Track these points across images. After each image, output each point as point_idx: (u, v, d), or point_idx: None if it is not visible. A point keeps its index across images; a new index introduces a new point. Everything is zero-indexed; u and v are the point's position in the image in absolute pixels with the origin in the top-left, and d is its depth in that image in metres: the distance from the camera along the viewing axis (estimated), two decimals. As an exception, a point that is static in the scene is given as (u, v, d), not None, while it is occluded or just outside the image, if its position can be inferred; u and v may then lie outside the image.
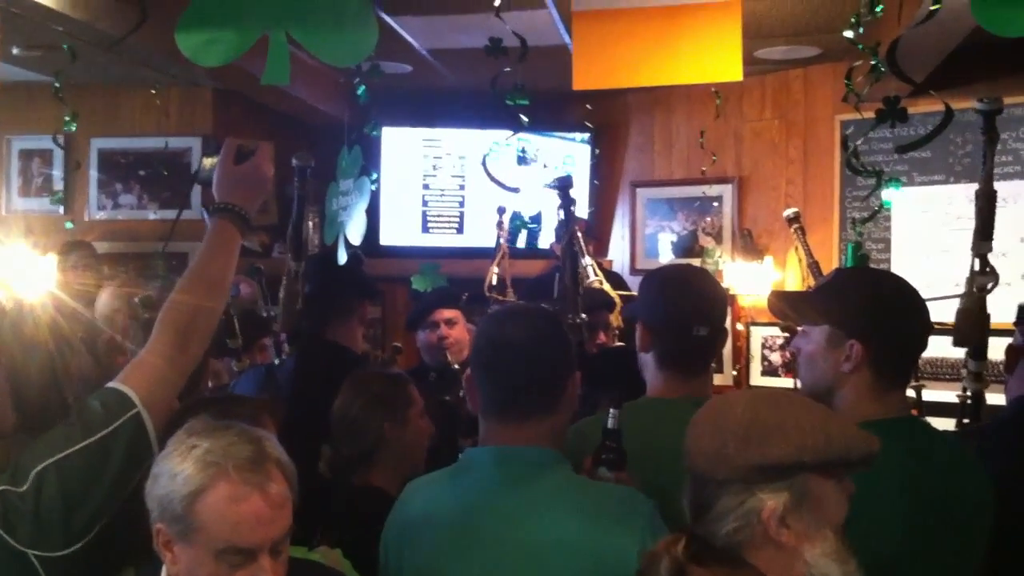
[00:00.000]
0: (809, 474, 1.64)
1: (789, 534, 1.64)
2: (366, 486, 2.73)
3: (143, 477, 1.82)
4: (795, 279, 5.61)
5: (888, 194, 3.25)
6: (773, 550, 1.65)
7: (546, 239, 5.45)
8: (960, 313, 2.93)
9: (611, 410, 2.15)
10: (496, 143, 5.21)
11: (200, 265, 2.28)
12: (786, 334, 4.56)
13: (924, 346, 2.23)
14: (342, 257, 2.96)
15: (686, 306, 2.41)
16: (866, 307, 2.15)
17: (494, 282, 4.49)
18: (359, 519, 2.33)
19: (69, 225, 5.31)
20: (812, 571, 1.66)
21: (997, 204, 2.98)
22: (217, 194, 2.38)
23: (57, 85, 3.59)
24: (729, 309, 5.70)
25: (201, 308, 2.22)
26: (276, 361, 3.78)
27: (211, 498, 1.69)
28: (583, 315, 3.34)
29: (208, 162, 2.46)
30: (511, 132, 3.26)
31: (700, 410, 1.78)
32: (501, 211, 4.88)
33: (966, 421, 3.13)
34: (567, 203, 3.41)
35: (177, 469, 1.72)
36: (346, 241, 3.06)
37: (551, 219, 5.34)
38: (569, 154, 6.34)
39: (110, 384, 2.10)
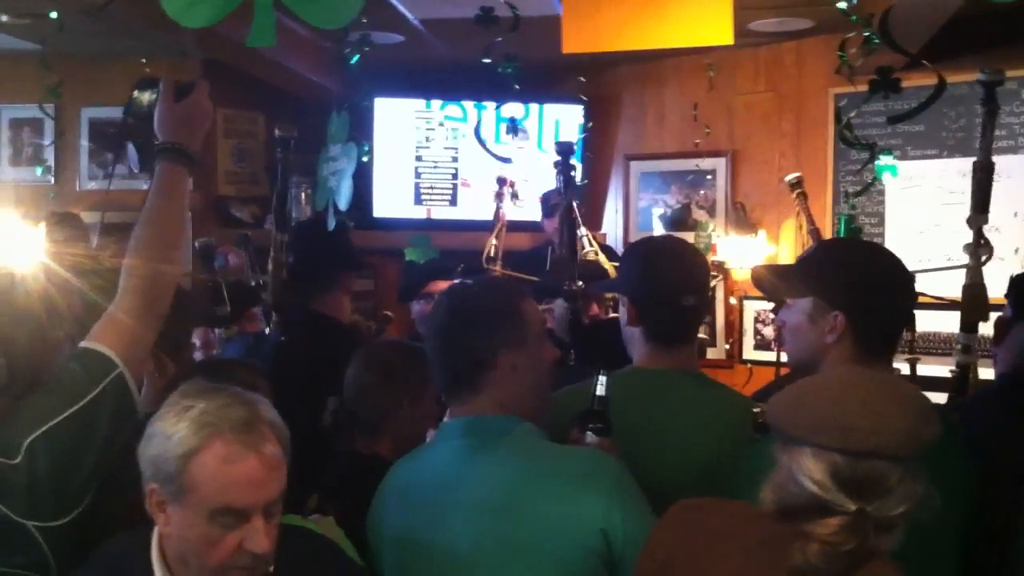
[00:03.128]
0: None
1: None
2: (372, 455, 2.73)
3: (135, 445, 1.82)
4: (788, 253, 5.61)
5: (882, 163, 3.23)
6: (904, 525, 1.66)
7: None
8: (966, 289, 2.93)
9: (601, 377, 2.17)
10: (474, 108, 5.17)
11: (154, 211, 2.26)
12: (773, 304, 4.57)
13: (909, 317, 2.24)
14: (331, 223, 2.95)
15: (672, 277, 2.42)
16: (849, 278, 2.16)
17: (492, 253, 4.48)
18: (362, 487, 2.33)
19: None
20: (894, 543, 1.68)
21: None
22: (161, 134, 2.35)
23: (44, 54, 3.56)
24: (722, 283, 5.71)
25: (162, 257, 2.20)
26: (266, 330, 3.77)
27: (205, 458, 1.70)
28: (580, 283, 3.34)
29: (144, 97, 2.44)
30: (500, 101, 3.23)
31: (859, 387, 1.69)
32: (501, 182, 4.86)
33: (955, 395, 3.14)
34: (567, 170, 3.39)
35: (171, 430, 1.73)
36: (335, 207, 3.05)
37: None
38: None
39: (85, 344, 2.09)
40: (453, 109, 6.23)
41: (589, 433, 2.15)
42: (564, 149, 3.41)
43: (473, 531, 2.01)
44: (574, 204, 3.84)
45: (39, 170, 5.72)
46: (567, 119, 6.26)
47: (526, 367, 2.13)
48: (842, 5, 2.76)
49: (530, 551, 1.96)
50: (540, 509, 1.97)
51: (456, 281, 4.33)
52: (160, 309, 2.19)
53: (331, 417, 2.82)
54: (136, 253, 2.20)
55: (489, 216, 4.79)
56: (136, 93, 2.47)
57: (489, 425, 2.10)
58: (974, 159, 3.03)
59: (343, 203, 2.95)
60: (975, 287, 2.90)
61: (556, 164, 3.45)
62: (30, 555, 1.94)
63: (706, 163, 5.94)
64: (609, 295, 3.98)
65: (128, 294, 2.15)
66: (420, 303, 4.37)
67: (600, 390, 2.16)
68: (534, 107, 6.20)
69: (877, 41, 2.70)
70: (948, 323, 3.01)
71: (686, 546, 1.80)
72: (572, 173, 3.46)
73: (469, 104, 6.17)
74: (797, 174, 4.33)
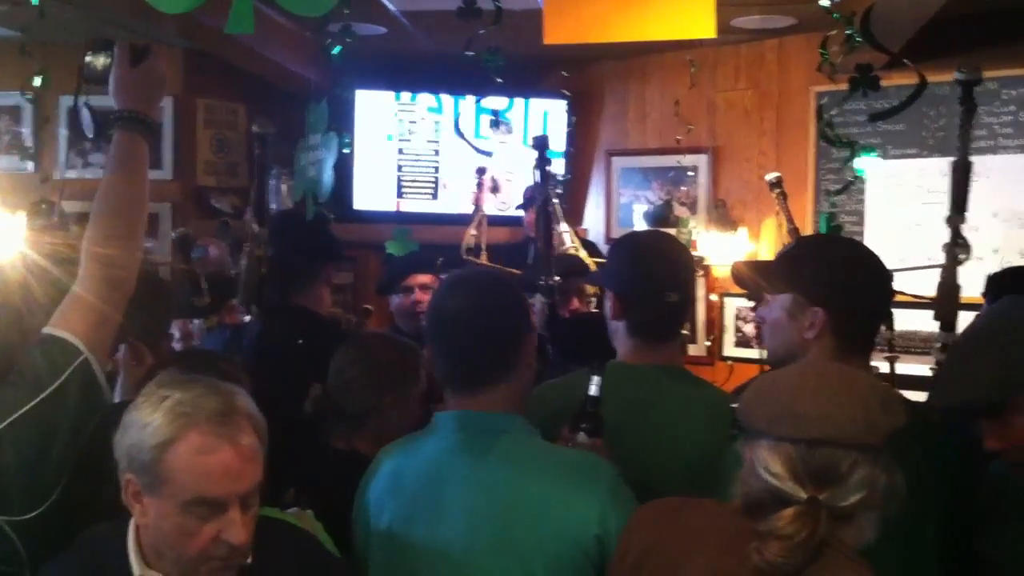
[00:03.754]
0: None
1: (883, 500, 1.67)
2: (350, 449, 2.71)
3: (109, 433, 1.80)
4: (769, 250, 5.62)
5: (862, 162, 3.24)
6: (869, 517, 1.67)
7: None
8: (939, 287, 2.94)
9: (594, 377, 2.16)
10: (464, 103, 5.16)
11: (112, 185, 2.19)
12: (752, 303, 4.57)
13: (887, 313, 2.24)
14: (310, 213, 2.93)
15: (658, 273, 2.41)
16: (828, 274, 2.17)
17: (471, 245, 4.46)
18: (340, 483, 2.31)
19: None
20: (870, 533, 1.69)
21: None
22: (118, 101, 2.28)
23: (23, 41, 3.52)
24: (703, 280, 5.72)
25: (123, 235, 2.14)
26: (246, 319, 3.74)
27: (180, 449, 1.69)
28: (556, 278, 3.33)
29: (98, 61, 2.36)
30: (483, 95, 3.22)
31: (810, 378, 1.72)
32: (480, 172, 4.84)
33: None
34: (543, 164, 3.39)
35: (147, 420, 1.71)
36: (314, 198, 3.02)
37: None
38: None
39: (49, 331, 2.04)
40: (431, 101, 6.20)
41: (581, 433, 2.14)
42: (540, 143, 3.41)
43: (466, 529, 2.00)
44: (551, 198, 3.84)
45: (24, 156, 5.66)
46: (555, 114, 6.25)
47: (532, 358, 2.15)
48: (824, 3, 2.76)
49: (523, 552, 1.95)
50: (535, 511, 1.96)
51: (440, 275, 4.32)
52: (124, 290, 2.13)
53: (312, 405, 2.79)
54: (96, 232, 2.13)
55: (470, 210, 4.77)
56: (89, 57, 2.37)
57: (486, 421, 2.07)
58: (953, 158, 3.04)
59: (323, 193, 2.92)
60: (948, 285, 2.92)
61: (536, 160, 3.46)
62: (1, 551, 1.90)
63: (687, 160, 5.94)
64: (591, 289, 3.99)
65: (90, 276, 2.09)
66: (399, 297, 4.35)
67: (593, 390, 2.15)
68: (520, 102, 6.18)
69: (859, 39, 2.70)
70: (928, 322, 3.02)
71: (658, 545, 1.80)
72: (548, 167, 3.46)
73: (449, 97, 6.16)
74: (777, 174, 4.34)
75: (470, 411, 2.09)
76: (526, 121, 6.19)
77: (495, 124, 3.88)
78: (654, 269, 2.42)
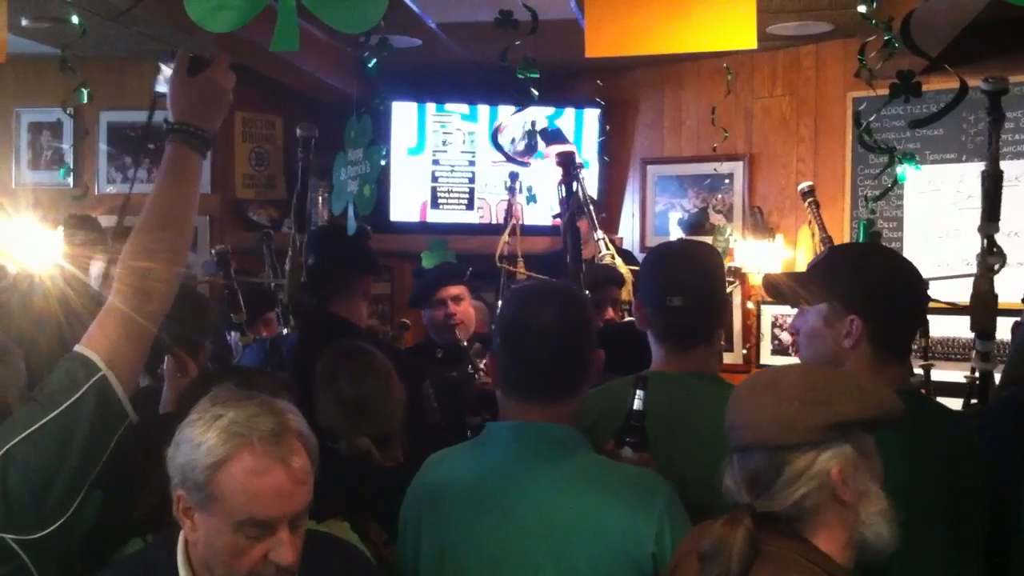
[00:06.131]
0: (863, 432, 1.69)
1: (851, 492, 1.67)
2: (398, 467, 2.71)
3: (149, 449, 1.81)
4: (805, 257, 5.58)
5: (904, 171, 3.22)
6: (838, 510, 1.68)
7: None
8: (973, 297, 2.92)
9: (637, 391, 2.15)
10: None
11: (157, 199, 2.10)
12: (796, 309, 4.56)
13: (923, 320, 2.25)
14: (351, 227, 2.95)
15: (659, 277, 2.45)
16: (864, 282, 2.17)
17: (505, 252, 4.46)
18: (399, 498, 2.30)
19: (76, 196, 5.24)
20: (865, 530, 1.69)
21: (1007, 183, 2.99)
22: (173, 113, 2.18)
23: (64, 57, 3.56)
24: (739, 287, 5.69)
25: (161, 249, 2.06)
26: (284, 331, 3.76)
27: (234, 469, 1.69)
28: (587, 291, 3.34)
29: (165, 74, 2.29)
30: (518, 107, 3.22)
31: (743, 388, 1.78)
32: (514, 177, 4.82)
33: (974, 401, 3.13)
34: (569, 179, 3.39)
35: (200, 438, 1.71)
36: (356, 212, 3.03)
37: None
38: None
39: (77, 348, 2.00)
40: (466, 111, 6.22)
41: (626, 447, 2.14)
42: (565, 160, 3.42)
43: (520, 544, 1.99)
44: (591, 207, 3.84)
45: (63, 172, 5.73)
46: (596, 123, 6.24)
47: (598, 371, 2.16)
48: (862, 9, 2.75)
49: (578, 569, 1.94)
50: (591, 527, 1.95)
51: (465, 284, 4.32)
52: (161, 303, 2.06)
53: (367, 456, 2.77)
54: (137, 244, 2.07)
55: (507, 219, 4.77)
56: (162, 67, 2.33)
57: (542, 433, 2.06)
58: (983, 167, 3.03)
59: (367, 208, 2.93)
60: (983, 295, 2.90)
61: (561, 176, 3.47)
62: (9, 566, 1.88)
63: (723, 167, 5.91)
64: (624, 298, 3.99)
65: (125, 289, 2.03)
66: (431, 310, 4.32)
67: (638, 404, 2.15)
68: (571, 113, 6.17)
69: (897, 45, 2.69)
70: (965, 328, 3.00)
71: (681, 562, 1.82)
72: (575, 183, 3.47)
73: (484, 108, 6.18)
74: (809, 183, 4.33)
75: (525, 422, 2.08)
76: (579, 132, 6.18)
77: (546, 137, 3.87)
78: (657, 274, 2.47)
